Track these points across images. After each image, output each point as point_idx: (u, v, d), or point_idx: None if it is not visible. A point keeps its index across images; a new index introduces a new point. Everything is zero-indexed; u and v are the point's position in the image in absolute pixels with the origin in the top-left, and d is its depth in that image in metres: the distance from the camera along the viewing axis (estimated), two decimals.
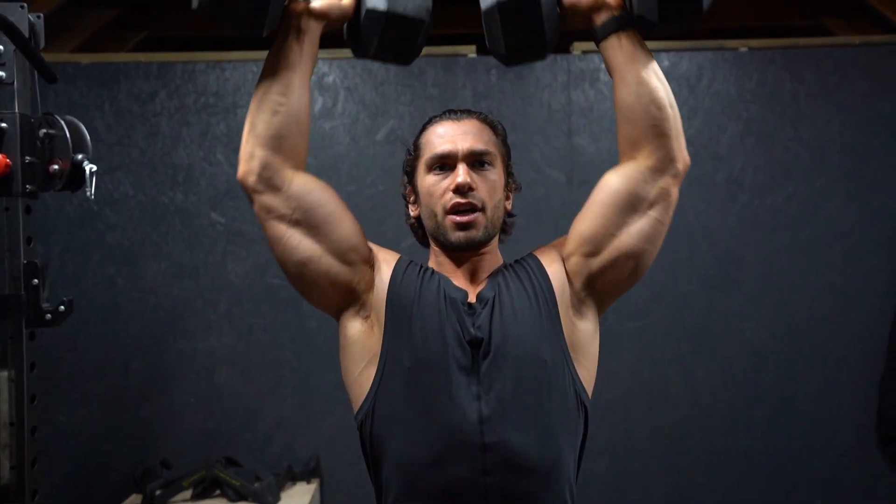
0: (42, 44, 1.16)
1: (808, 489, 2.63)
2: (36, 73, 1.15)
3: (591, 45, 2.67)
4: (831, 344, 2.64)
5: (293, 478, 2.50)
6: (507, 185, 1.28)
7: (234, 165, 1.17)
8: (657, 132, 1.15)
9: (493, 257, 1.27)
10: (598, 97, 2.63)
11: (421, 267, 1.24)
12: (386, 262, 1.22)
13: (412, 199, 1.30)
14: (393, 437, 1.13)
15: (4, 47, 1.09)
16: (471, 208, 1.19)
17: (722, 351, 2.64)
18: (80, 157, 1.15)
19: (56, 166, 1.13)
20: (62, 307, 1.14)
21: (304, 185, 1.14)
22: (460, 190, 1.18)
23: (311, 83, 1.22)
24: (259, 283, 2.55)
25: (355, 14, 1.17)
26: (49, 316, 1.12)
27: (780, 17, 3.65)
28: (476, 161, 1.22)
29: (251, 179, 1.13)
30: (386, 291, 1.18)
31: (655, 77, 1.17)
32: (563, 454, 1.13)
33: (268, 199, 1.13)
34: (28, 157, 1.09)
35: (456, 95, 2.62)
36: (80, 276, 2.55)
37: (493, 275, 1.23)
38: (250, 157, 1.13)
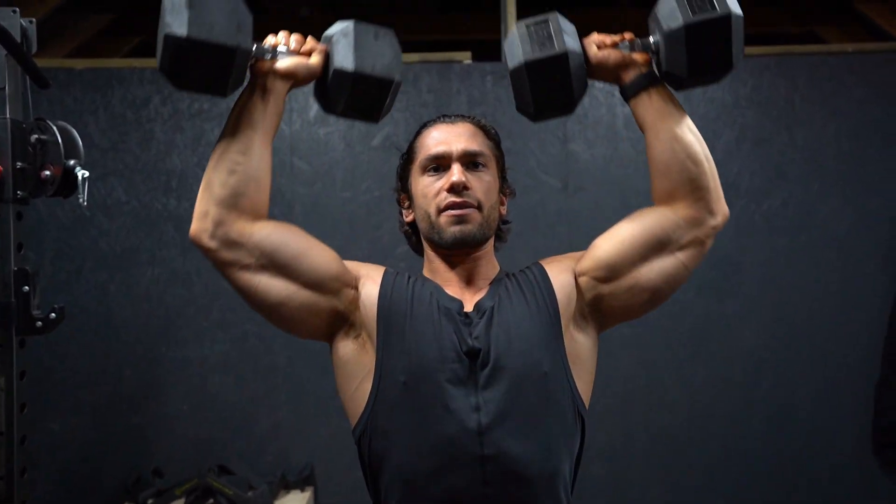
0: (34, 49, 1.15)
1: (805, 493, 2.62)
2: (28, 78, 1.14)
3: None
4: (829, 348, 2.64)
5: (287, 486, 2.48)
6: (501, 189, 1.27)
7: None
8: (695, 186, 1.15)
9: (489, 262, 1.25)
10: (594, 103, 2.64)
11: (409, 277, 1.22)
12: (371, 279, 1.19)
13: (406, 204, 1.29)
14: (392, 450, 1.11)
15: None
16: (466, 206, 1.18)
17: (720, 355, 2.63)
18: (72, 162, 1.14)
19: (48, 172, 1.12)
20: (53, 314, 1.12)
21: (264, 232, 1.11)
22: (455, 188, 1.17)
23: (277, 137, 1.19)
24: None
25: (323, 72, 1.15)
26: (40, 323, 1.11)
27: (774, 25, 3.67)
28: (470, 162, 1.21)
29: (204, 238, 1.09)
30: (376, 307, 1.16)
31: (689, 132, 1.16)
32: (561, 464, 1.12)
33: (226, 254, 1.10)
34: (19, 163, 1.08)
35: (451, 102, 2.62)
36: (71, 283, 2.54)
37: (495, 284, 1.22)
38: (203, 215, 1.10)
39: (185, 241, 2.56)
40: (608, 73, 1.18)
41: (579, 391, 1.16)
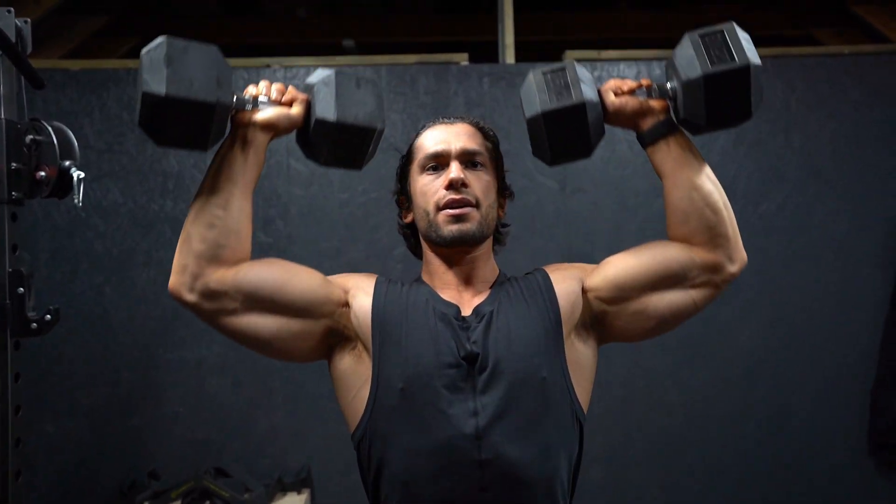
0: (29, 49, 1.15)
1: (803, 495, 2.63)
2: (23, 78, 1.13)
3: (583, 54, 2.69)
4: (826, 350, 2.64)
5: (284, 488, 2.47)
6: (500, 191, 1.26)
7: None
8: (713, 234, 1.15)
9: (488, 264, 1.25)
10: None
11: (403, 284, 1.22)
12: (361, 290, 1.19)
13: (405, 205, 1.29)
14: (390, 455, 1.11)
15: None
16: (464, 204, 1.17)
17: (717, 357, 2.64)
18: (67, 163, 1.14)
19: (43, 173, 1.12)
20: (48, 316, 1.12)
21: (241, 274, 1.10)
22: (454, 184, 1.17)
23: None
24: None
25: (305, 122, 1.14)
26: (35, 325, 1.10)
27: (771, 28, 3.68)
28: (469, 161, 1.21)
29: (184, 292, 1.09)
30: (370, 318, 1.15)
31: (708, 180, 1.16)
32: (559, 469, 1.12)
33: (209, 305, 1.09)
34: (14, 164, 1.07)
35: (448, 103, 2.61)
36: (67, 285, 2.53)
37: (496, 288, 1.21)
38: (182, 269, 1.09)
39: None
40: (626, 120, 1.18)
41: (578, 398, 1.16)
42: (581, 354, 1.18)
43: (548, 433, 1.11)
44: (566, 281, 1.20)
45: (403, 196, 1.29)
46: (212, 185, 1.10)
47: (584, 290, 1.20)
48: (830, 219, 2.66)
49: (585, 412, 1.18)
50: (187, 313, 2.77)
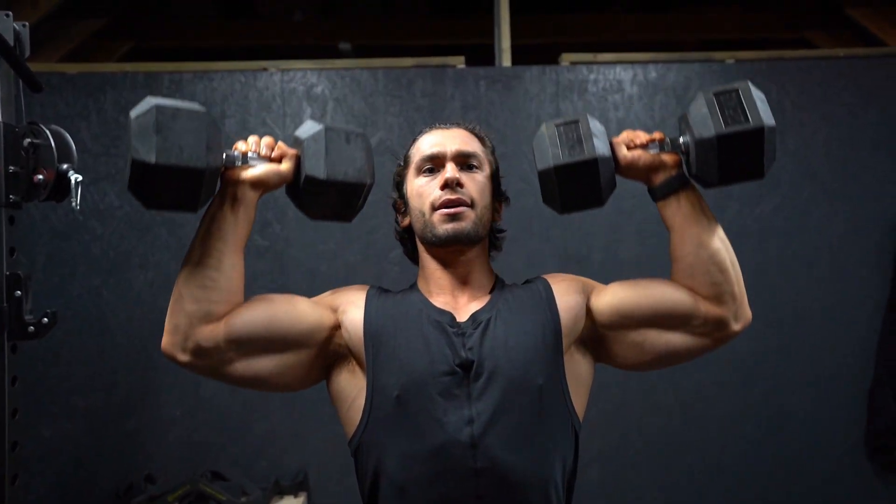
0: (27, 52, 1.15)
1: (800, 497, 2.63)
2: (21, 81, 1.13)
3: (579, 57, 2.70)
4: (822, 353, 2.65)
5: (281, 491, 2.47)
6: (495, 194, 1.27)
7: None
8: (719, 292, 1.15)
9: (484, 268, 1.25)
10: (587, 108, 2.64)
11: (396, 293, 1.22)
12: (352, 304, 1.19)
13: (402, 209, 1.29)
14: (386, 463, 1.11)
15: None
16: (459, 203, 1.18)
17: (713, 360, 2.62)
18: (65, 166, 1.14)
19: (41, 176, 1.12)
20: (46, 319, 1.11)
21: (232, 327, 1.10)
22: (449, 184, 1.17)
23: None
24: (246, 294, 2.52)
25: (295, 177, 1.15)
26: (32, 328, 1.10)
27: (765, 31, 3.70)
28: (464, 163, 1.22)
29: (178, 353, 1.09)
30: (362, 330, 1.16)
31: (717, 238, 1.16)
32: (555, 477, 1.12)
33: (203, 362, 1.10)
34: (12, 167, 1.07)
35: (445, 106, 2.62)
36: (64, 288, 2.52)
37: (495, 295, 1.22)
38: (174, 330, 1.09)
39: (179, 245, 2.55)
40: (638, 173, 1.19)
41: (574, 406, 1.16)
42: (579, 366, 1.19)
43: (543, 441, 1.11)
44: (570, 294, 1.20)
45: (400, 200, 1.29)
46: (203, 244, 1.11)
47: (587, 308, 1.20)
48: (826, 221, 2.67)
49: (581, 421, 1.18)
50: None
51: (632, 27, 3.73)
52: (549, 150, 1.14)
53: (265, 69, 2.63)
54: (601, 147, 1.13)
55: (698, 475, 2.63)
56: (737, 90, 1.11)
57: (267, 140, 1.14)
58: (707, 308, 1.15)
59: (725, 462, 2.63)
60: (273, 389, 1.17)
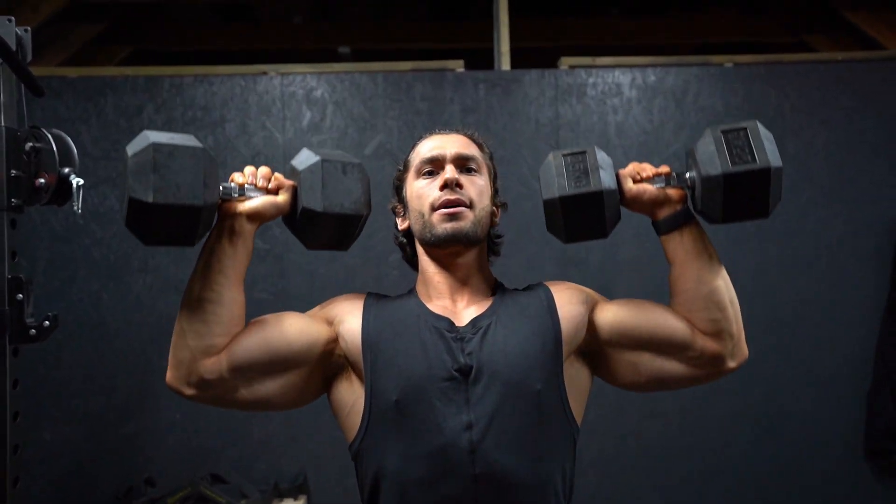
0: (29, 57, 1.15)
1: (798, 500, 2.63)
2: (23, 86, 1.14)
3: (578, 60, 2.71)
4: (820, 356, 2.65)
5: (280, 494, 2.47)
6: (494, 200, 1.27)
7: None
8: (717, 329, 1.16)
9: (483, 272, 1.25)
10: (586, 111, 2.65)
11: (394, 299, 1.23)
12: (349, 313, 1.20)
13: (401, 212, 1.30)
14: (386, 465, 1.11)
15: None
16: (458, 203, 1.18)
17: None
18: (66, 170, 1.14)
19: (42, 180, 1.12)
20: (47, 322, 1.12)
21: (232, 356, 1.11)
22: (448, 185, 1.18)
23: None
24: (246, 299, 2.53)
25: (292, 208, 1.15)
26: (33, 331, 1.10)
27: (764, 35, 3.71)
28: (464, 166, 1.22)
29: (183, 387, 1.11)
30: (359, 338, 1.16)
31: (718, 275, 1.17)
32: (554, 482, 1.12)
33: (208, 393, 1.11)
34: (14, 171, 1.08)
35: (444, 110, 2.63)
36: (65, 291, 2.53)
37: (496, 300, 1.22)
38: (178, 364, 1.10)
39: (178, 249, 2.55)
40: (642, 206, 1.19)
41: (573, 411, 1.16)
42: (578, 374, 1.19)
43: (542, 446, 1.11)
44: (572, 304, 1.21)
45: (400, 205, 1.30)
46: (203, 278, 1.11)
47: (589, 321, 1.20)
48: (825, 223, 2.67)
49: (579, 426, 1.18)
50: None
51: (631, 31, 3.74)
52: (556, 180, 1.14)
53: (265, 73, 2.64)
54: (607, 180, 1.14)
55: (697, 477, 2.63)
56: (745, 129, 1.12)
57: (263, 171, 1.15)
58: (704, 342, 1.16)
59: (724, 464, 2.63)
60: (278, 409, 1.18)
